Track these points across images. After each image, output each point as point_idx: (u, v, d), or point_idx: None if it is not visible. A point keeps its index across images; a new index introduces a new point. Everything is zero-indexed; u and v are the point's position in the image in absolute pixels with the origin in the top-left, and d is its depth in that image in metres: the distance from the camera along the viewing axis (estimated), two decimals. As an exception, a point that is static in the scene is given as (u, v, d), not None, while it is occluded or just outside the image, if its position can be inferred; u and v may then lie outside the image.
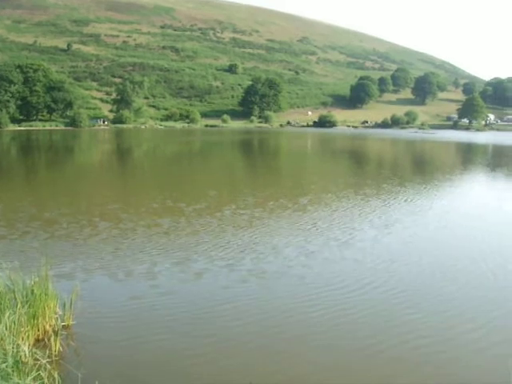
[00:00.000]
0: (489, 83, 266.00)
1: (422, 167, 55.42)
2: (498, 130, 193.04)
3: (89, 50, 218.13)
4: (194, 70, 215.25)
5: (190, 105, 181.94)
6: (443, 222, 22.57)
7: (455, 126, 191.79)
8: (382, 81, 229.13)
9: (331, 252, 17.22)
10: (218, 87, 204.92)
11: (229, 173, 44.88)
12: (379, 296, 13.34)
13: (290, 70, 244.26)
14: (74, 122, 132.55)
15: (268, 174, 43.87)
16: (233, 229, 20.35)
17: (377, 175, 43.35)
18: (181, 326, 11.54)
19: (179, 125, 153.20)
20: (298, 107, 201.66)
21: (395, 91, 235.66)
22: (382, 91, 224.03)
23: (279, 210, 24.36)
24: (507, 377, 8.74)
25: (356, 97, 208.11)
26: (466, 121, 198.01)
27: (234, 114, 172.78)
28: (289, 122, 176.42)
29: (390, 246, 18.34)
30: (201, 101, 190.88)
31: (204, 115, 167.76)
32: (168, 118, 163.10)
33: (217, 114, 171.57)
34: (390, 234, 19.95)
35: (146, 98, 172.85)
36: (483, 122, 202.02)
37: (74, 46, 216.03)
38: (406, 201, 28.45)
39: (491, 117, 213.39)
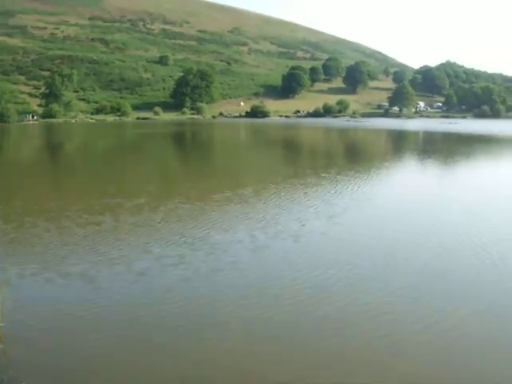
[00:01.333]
0: (418, 71, 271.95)
1: (357, 155, 56.25)
2: (427, 117, 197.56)
3: (15, 42, 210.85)
4: (123, 62, 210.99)
5: (121, 97, 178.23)
6: (382, 208, 23.87)
7: (386, 114, 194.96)
8: (313, 70, 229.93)
9: (281, 244, 17.41)
10: (148, 79, 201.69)
11: (165, 167, 44.05)
12: (331, 286, 13.80)
13: (221, 60, 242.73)
14: (1, 118, 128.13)
15: (205, 166, 43.57)
16: (178, 224, 19.91)
17: (314, 164, 43.83)
18: (111, 328, 11.36)
19: (110, 118, 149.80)
20: (231, 98, 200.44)
21: (327, 80, 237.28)
22: (313, 81, 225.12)
23: (223, 202, 24.23)
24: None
25: (288, 87, 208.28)
26: (396, 109, 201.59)
27: (166, 106, 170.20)
28: (221, 113, 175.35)
29: (339, 235, 19.07)
30: (132, 93, 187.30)
31: (135, 108, 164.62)
32: (99, 111, 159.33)
33: (148, 106, 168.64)
34: (337, 224, 20.35)
35: (76, 91, 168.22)
36: (413, 110, 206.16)
37: (0, 39, 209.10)
38: (347, 189, 29.32)
39: (421, 104, 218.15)
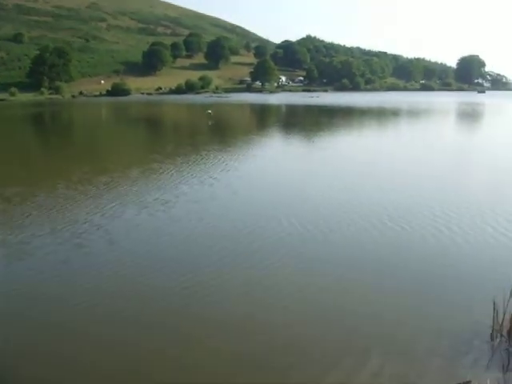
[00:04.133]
0: (279, 46, 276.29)
1: (224, 131, 56.23)
2: (290, 91, 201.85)
3: None
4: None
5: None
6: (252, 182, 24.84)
7: (249, 89, 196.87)
8: (174, 46, 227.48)
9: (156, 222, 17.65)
10: (2, 58, 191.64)
11: (26, 152, 41.58)
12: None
13: (79, 37, 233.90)
14: None
15: (76, 149, 41.48)
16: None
17: (193, 141, 43.43)
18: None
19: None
20: (90, 76, 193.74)
21: (188, 56, 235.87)
22: (175, 57, 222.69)
23: (89, 187, 23.28)
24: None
25: (149, 63, 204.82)
26: (259, 83, 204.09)
27: (23, 87, 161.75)
28: (81, 93, 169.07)
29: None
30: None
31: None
32: None
33: (3, 87, 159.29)
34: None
35: None
36: (275, 84, 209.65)
37: None
38: (228, 162, 30.08)
39: (283, 78, 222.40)
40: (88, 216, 18.23)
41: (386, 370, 8.91)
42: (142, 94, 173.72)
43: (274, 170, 28.55)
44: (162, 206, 19.63)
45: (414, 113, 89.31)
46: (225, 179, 25.06)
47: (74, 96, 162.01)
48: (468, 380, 7.48)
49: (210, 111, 69.42)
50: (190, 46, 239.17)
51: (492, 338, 9.92)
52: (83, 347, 9.76)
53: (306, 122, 69.09)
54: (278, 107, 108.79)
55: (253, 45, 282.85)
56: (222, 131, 55.78)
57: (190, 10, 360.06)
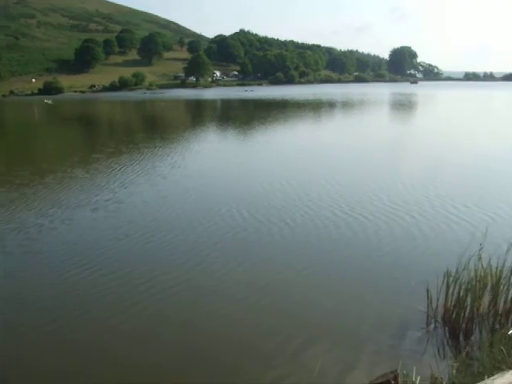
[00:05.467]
0: (213, 41, 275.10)
1: (163, 127, 56.18)
2: (224, 85, 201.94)
3: None
4: None
5: None
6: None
7: (183, 85, 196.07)
8: (107, 43, 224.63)
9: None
10: None
11: None
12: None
13: (7, 35, 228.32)
14: None
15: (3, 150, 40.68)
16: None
17: (133, 139, 43.28)
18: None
19: None
20: (21, 75, 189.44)
21: (121, 53, 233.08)
22: (107, 54, 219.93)
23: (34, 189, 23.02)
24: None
25: (81, 61, 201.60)
26: (193, 79, 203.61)
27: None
28: (12, 92, 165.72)
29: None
30: None
31: None
32: None
33: None
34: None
35: None
36: (210, 79, 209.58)
37: None
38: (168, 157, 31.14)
39: (217, 73, 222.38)
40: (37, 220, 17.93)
41: (317, 359, 8.90)
42: (75, 91, 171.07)
43: (219, 165, 28.98)
44: (114, 206, 19.51)
45: (350, 104, 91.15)
46: (173, 176, 25.36)
47: (4, 95, 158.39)
48: (394, 370, 7.17)
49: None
50: (122, 42, 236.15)
51: (427, 324, 10.20)
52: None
53: (243, 116, 70.14)
54: (213, 102, 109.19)
55: (186, 40, 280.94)
56: (161, 127, 55.82)
57: (123, 6, 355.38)
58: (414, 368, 7.84)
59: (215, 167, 28.53)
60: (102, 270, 13.15)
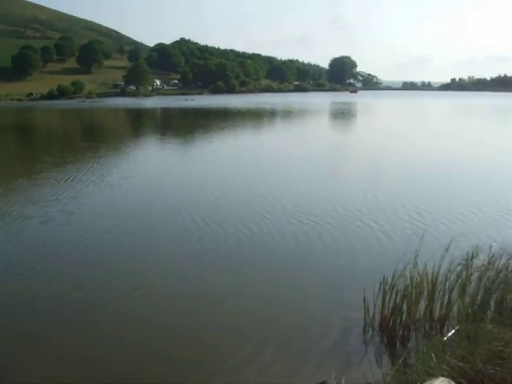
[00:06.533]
0: (154, 49, 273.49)
1: (102, 136, 55.93)
2: (165, 94, 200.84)
3: None
4: None
5: None
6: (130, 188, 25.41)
7: (123, 94, 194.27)
8: (45, 50, 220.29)
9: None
10: None
11: None
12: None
13: None
14: None
15: None
16: None
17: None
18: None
19: None
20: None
21: (60, 61, 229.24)
22: (45, 61, 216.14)
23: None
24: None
25: (18, 68, 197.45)
26: (133, 87, 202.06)
27: None
28: None
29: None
30: None
31: None
32: None
33: None
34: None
35: None
36: (150, 88, 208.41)
37: None
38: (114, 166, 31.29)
39: (158, 82, 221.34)
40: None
41: (251, 375, 8.75)
42: (13, 100, 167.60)
43: (167, 175, 29.45)
44: (65, 218, 19.28)
45: (292, 113, 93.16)
46: (121, 187, 25.51)
47: None
48: (324, 381, 7.48)
49: None
50: (61, 49, 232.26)
51: (364, 333, 10.30)
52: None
53: (186, 125, 70.69)
54: (154, 111, 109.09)
55: (127, 48, 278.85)
56: (104, 137, 55.64)
57: (63, 13, 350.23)
58: (343, 378, 7.79)
59: (163, 176, 28.88)
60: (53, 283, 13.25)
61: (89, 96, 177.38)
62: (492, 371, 6.84)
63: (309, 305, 11.67)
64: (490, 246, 11.15)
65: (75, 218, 19.40)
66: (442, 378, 6.56)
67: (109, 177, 28.18)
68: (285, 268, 14.03)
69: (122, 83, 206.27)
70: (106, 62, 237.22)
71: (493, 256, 10.75)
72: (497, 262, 10.53)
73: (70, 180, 27.23)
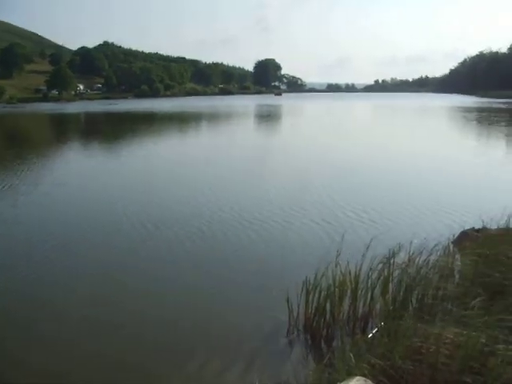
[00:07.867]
0: (76, 53, 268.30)
1: (26, 143, 54.72)
2: (88, 99, 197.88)
3: None
4: None
5: None
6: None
7: (46, 99, 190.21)
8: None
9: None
10: None
11: None
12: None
13: None
14: None
15: None
16: None
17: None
18: None
19: None
20: None
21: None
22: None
23: None
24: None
25: None
26: (55, 92, 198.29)
27: None
28: None
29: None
30: None
31: None
32: None
33: None
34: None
35: None
36: (73, 92, 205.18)
37: None
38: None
39: (81, 86, 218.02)
40: None
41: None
42: None
43: (101, 182, 29.05)
44: None
45: (217, 116, 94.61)
46: (57, 195, 25.11)
47: None
48: None
49: None
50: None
51: (288, 334, 10.28)
52: None
53: (108, 130, 70.85)
54: (78, 116, 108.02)
55: (48, 52, 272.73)
56: (28, 143, 54.44)
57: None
58: (268, 382, 7.94)
59: (98, 184, 28.30)
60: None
61: (10, 101, 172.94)
62: (411, 367, 6.92)
63: (231, 309, 11.68)
64: (410, 243, 11.52)
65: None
66: (357, 377, 6.53)
67: (43, 184, 27.79)
68: (207, 273, 13.89)
69: (45, 88, 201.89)
70: (28, 66, 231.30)
71: (413, 253, 11.10)
72: (417, 259, 10.93)
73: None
